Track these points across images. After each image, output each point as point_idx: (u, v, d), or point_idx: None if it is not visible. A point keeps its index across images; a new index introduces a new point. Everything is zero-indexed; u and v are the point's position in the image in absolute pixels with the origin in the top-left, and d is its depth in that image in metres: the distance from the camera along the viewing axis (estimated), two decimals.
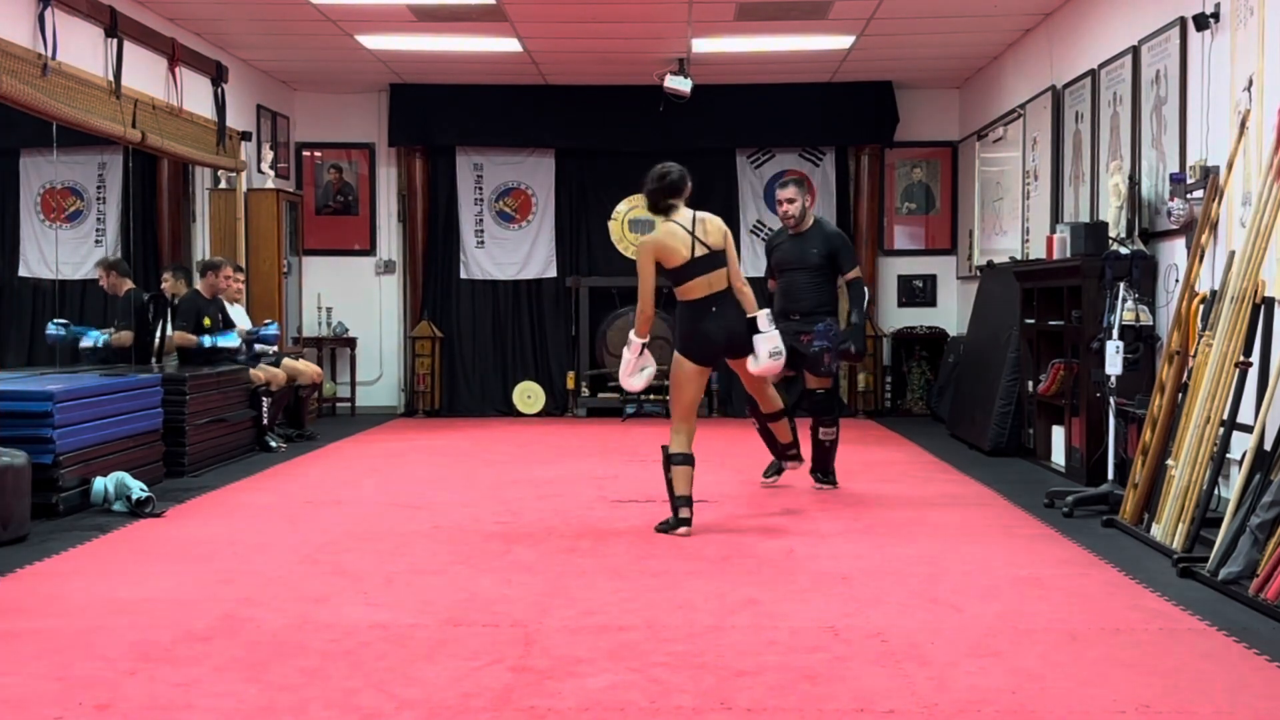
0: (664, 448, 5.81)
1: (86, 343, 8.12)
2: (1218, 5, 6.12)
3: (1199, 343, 5.44)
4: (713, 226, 5.82)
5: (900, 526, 5.90)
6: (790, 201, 6.91)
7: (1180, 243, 6.56)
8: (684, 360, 5.82)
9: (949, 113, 11.61)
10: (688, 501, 5.73)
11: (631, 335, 5.85)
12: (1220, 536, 4.75)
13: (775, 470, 7.15)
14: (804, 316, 6.86)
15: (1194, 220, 6.14)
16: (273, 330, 9.09)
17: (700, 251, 5.75)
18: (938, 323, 11.61)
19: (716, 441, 8.76)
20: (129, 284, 8.57)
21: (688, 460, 5.74)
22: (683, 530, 5.66)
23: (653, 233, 5.88)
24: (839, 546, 5.44)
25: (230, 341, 8.58)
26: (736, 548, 5.39)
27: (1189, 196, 6.32)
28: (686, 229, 5.77)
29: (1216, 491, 5.28)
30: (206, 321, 8.64)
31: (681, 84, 10.01)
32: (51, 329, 8.06)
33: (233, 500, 6.75)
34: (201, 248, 9.91)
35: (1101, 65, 7.74)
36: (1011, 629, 4.08)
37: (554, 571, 4.94)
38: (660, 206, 5.85)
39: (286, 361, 9.16)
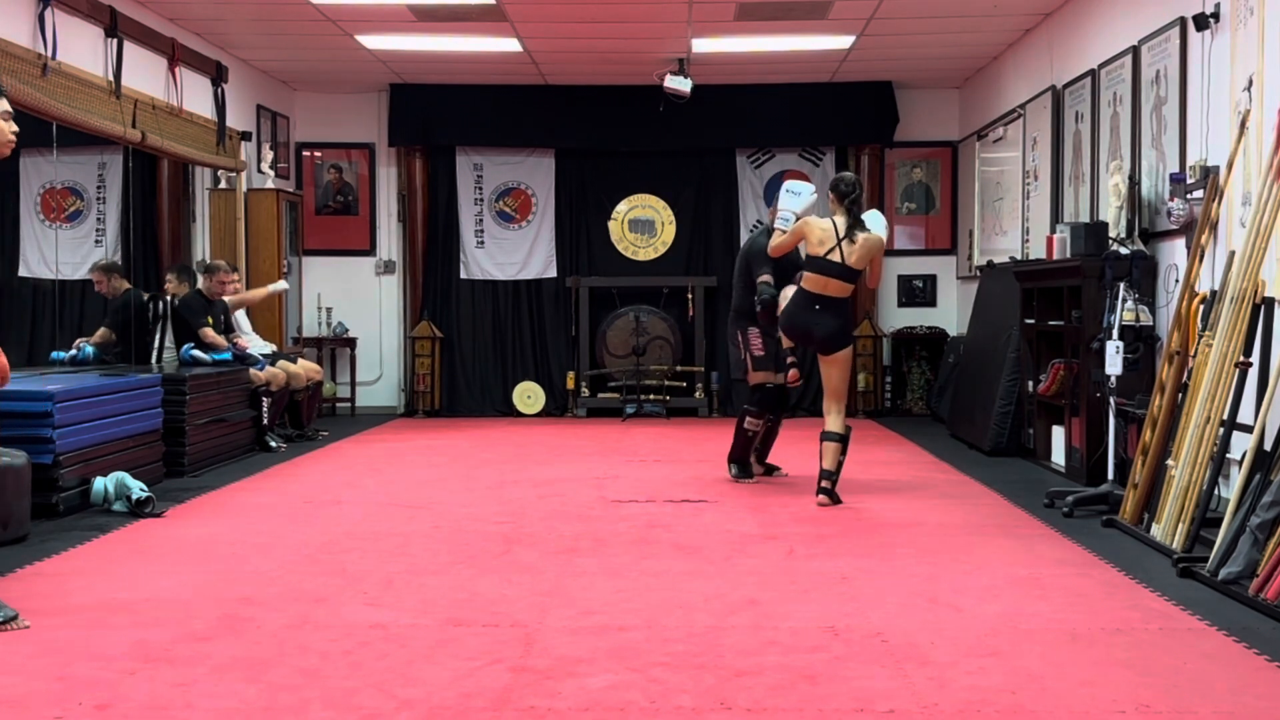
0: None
1: (75, 353, 8.10)
2: (1218, 5, 6.12)
3: (1199, 343, 5.44)
4: (860, 242, 6.44)
5: (900, 526, 5.90)
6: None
7: (1180, 243, 6.56)
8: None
9: (949, 113, 11.61)
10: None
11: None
12: (1220, 536, 4.75)
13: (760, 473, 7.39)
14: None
15: (1194, 220, 6.14)
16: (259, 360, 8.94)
17: (834, 256, 6.42)
18: (938, 323, 11.61)
19: (718, 441, 8.75)
20: (126, 285, 8.57)
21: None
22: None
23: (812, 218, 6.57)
24: (839, 546, 5.44)
25: (223, 358, 8.56)
26: (736, 548, 5.40)
27: (1189, 196, 6.32)
28: (838, 233, 6.43)
29: (1216, 491, 5.28)
30: (210, 321, 8.65)
31: (681, 84, 10.01)
32: (55, 355, 8.06)
33: (233, 500, 6.75)
34: (201, 248, 9.91)
35: (1101, 65, 7.74)
36: (1011, 629, 4.08)
37: (554, 571, 4.94)
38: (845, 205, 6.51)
39: (283, 363, 9.16)
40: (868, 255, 6.49)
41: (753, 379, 7.24)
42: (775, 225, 6.90)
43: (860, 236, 6.45)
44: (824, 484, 6.45)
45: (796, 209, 6.83)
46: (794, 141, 11.52)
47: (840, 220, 6.49)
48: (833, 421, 6.53)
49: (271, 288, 9.77)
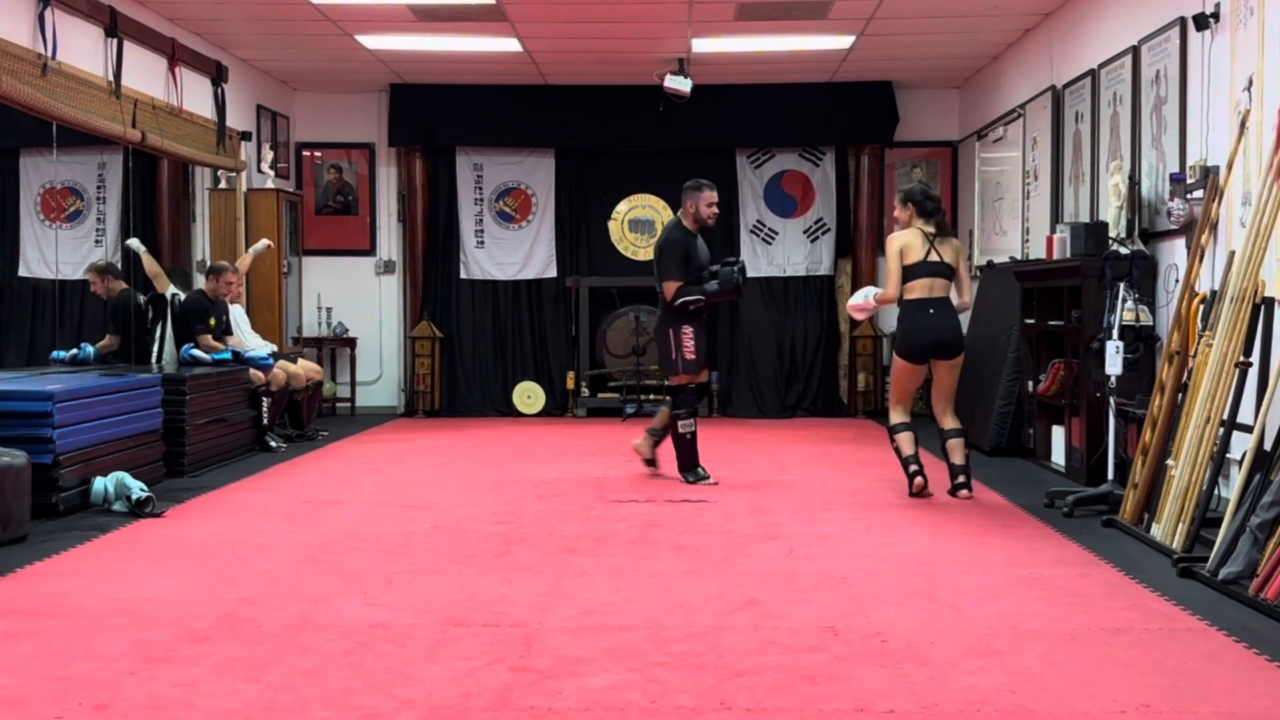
0: (889, 425, 6.78)
1: (76, 352, 8.09)
2: (1218, 5, 6.12)
3: (1199, 343, 5.44)
4: (948, 243, 6.64)
5: (900, 526, 5.90)
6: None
7: (1180, 243, 6.56)
8: (897, 359, 6.74)
9: (949, 113, 11.60)
10: (916, 459, 6.66)
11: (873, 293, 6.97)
12: (1220, 536, 4.75)
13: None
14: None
15: (1194, 220, 6.14)
16: (264, 358, 8.92)
17: (933, 257, 6.58)
18: None
19: (717, 442, 8.75)
20: (122, 285, 8.57)
21: (909, 427, 6.70)
22: (919, 481, 6.57)
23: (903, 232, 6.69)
24: (839, 546, 5.44)
25: (223, 358, 8.54)
26: (736, 548, 5.40)
27: (1189, 196, 6.32)
28: (928, 237, 6.61)
29: (1216, 491, 5.28)
30: (212, 322, 8.66)
31: (681, 84, 10.01)
32: (55, 354, 8.05)
33: (233, 500, 6.75)
34: (201, 248, 9.91)
35: (1101, 65, 7.74)
36: (1011, 629, 4.08)
37: (554, 571, 4.94)
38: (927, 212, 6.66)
39: (283, 363, 9.16)
40: (956, 255, 6.66)
41: (678, 380, 7.12)
42: (849, 306, 7.12)
43: (947, 239, 6.65)
44: (960, 479, 6.67)
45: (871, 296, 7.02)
46: (794, 141, 11.52)
47: (925, 227, 6.61)
48: (951, 420, 6.74)
49: (255, 249, 9.64)
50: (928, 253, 6.56)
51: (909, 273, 6.56)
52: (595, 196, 11.66)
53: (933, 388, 6.82)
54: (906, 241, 6.60)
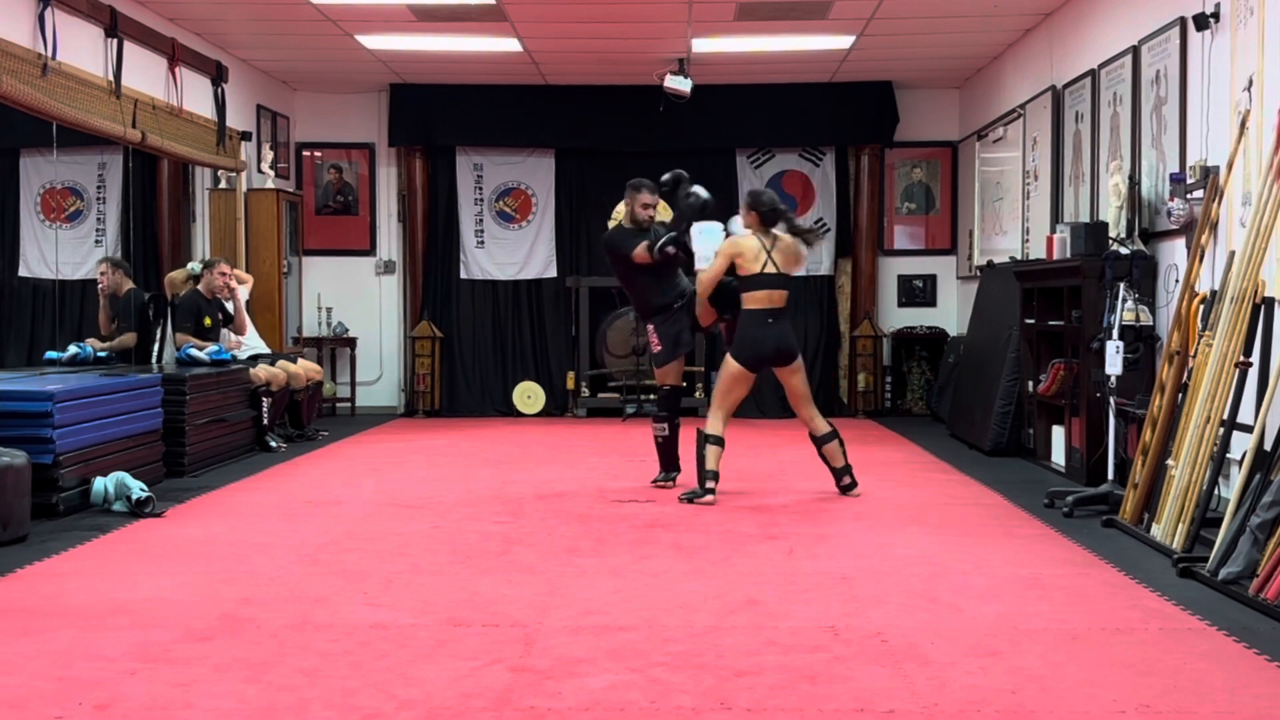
0: (701, 431, 6.63)
1: (74, 350, 8.07)
2: (1218, 5, 6.12)
3: (1199, 343, 5.44)
4: (782, 247, 6.63)
5: (900, 526, 5.90)
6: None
7: (1180, 243, 6.56)
8: (733, 362, 6.63)
9: (949, 113, 11.61)
10: (715, 476, 6.58)
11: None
12: (1220, 536, 4.75)
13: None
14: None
15: (1194, 220, 6.14)
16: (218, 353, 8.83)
17: (770, 269, 6.58)
18: (938, 323, 11.61)
19: None
20: (129, 284, 8.56)
21: (720, 442, 6.61)
22: (708, 499, 6.47)
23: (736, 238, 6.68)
24: (839, 546, 5.44)
25: (221, 357, 8.54)
26: (736, 548, 5.40)
27: (1189, 196, 6.32)
28: (765, 248, 6.60)
29: (1216, 491, 5.28)
30: (207, 321, 8.65)
31: (681, 84, 10.00)
32: (49, 355, 8.03)
33: (233, 500, 6.75)
34: (201, 248, 9.91)
35: (1101, 65, 7.74)
36: (1011, 629, 4.08)
37: (554, 571, 4.94)
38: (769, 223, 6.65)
39: (282, 363, 9.15)
40: (792, 255, 6.67)
41: (657, 376, 7.20)
42: (695, 269, 6.92)
43: (780, 243, 6.63)
44: (846, 480, 6.73)
45: (716, 246, 6.83)
46: (794, 141, 11.52)
47: (764, 238, 6.62)
48: (820, 424, 6.73)
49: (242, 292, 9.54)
50: (764, 264, 6.57)
51: (748, 284, 6.58)
52: (595, 196, 11.65)
53: (788, 396, 6.87)
54: (742, 250, 6.58)
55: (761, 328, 6.57)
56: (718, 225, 6.96)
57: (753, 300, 6.60)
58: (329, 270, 11.69)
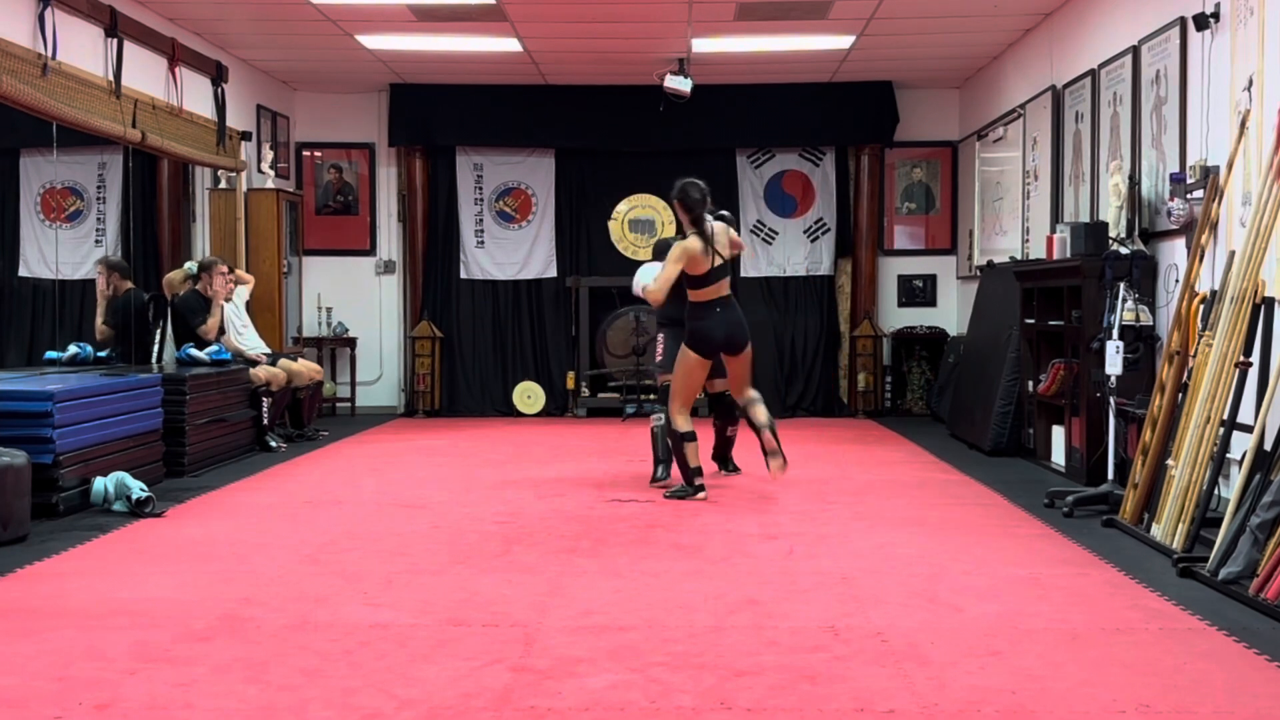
0: (674, 430, 6.65)
1: (74, 350, 8.07)
2: (1218, 5, 6.12)
3: (1199, 343, 5.44)
4: (717, 236, 6.64)
5: (900, 526, 5.90)
6: None
7: (1180, 243, 6.56)
8: (689, 351, 6.68)
9: (949, 113, 11.61)
10: (700, 471, 6.68)
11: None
12: (1220, 536, 4.75)
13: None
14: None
15: (1194, 220, 6.14)
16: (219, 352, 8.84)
17: (716, 262, 6.62)
18: (938, 323, 11.61)
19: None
20: (129, 284, 8.56)
21: (694, 436, 6.66)
22: (701, 496, 6.58)
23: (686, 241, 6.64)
24: (839, 546, 5.44)
25: (221, 357, 8.53)
26: (736, 548, 5.40)
27: (1189, 196, 6.32)
28: (707, 245, 6.60)
29: (1216, 491, 5.28)
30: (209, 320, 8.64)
31: (681, 84, 10.01)
32: (49, 355, 8.03)
33: (233, 500, 6.75)
34: (201, 248, 9.91)
35: (1101, 65, 7.74)
36: (1011, 629, 4.08)
37: (554, 571, 4.94)
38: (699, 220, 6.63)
39: (284, 362, 9.15)
40: (727, 241, 6.75)
41: (659, 377, 7.40)
42: (637, 290, 7.09)
43: (715, 232, 6.65)
44: (766, 433, 6.63)
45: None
46: (794, 141, 11.52)
47: (700, 233, 6.60)
48: (761, 412, 6.71)
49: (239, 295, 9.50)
50: (712, 258, 6.62)
51: (699, 282, 6.63)
52: (595, 196, 11.66)
53: (730, 380, 6.97)
54: (693, 254, 6.59)
55: (710, 317, 6.65)
56: (657, 265, 7.11)
57: (700, 295, 6.67)
58: (329, 270, 11.69)
